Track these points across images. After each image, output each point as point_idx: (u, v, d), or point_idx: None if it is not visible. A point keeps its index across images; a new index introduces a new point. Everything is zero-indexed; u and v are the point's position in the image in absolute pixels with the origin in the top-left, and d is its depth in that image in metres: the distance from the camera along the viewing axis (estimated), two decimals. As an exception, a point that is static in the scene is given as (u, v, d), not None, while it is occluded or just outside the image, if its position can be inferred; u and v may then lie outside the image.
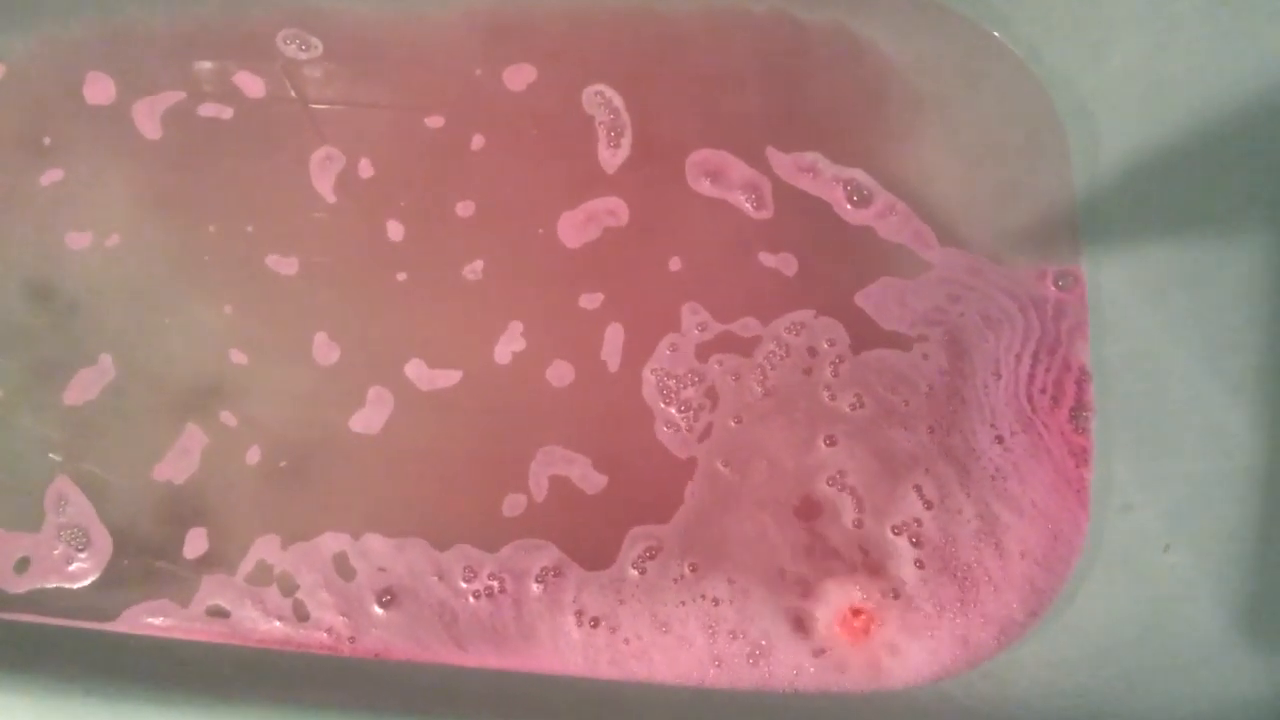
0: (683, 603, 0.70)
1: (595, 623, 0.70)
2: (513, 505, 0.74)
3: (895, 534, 0.71)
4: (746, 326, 0.76)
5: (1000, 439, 0.73)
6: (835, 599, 0.70)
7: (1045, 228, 0.77)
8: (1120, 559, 0.70)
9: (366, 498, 0.73)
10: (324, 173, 0.80)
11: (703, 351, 0.74)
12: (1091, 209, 0.76)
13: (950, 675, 0.68)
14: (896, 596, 0.69)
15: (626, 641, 0.69)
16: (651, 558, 0.71)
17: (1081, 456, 0.74)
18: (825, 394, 0.74)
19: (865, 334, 0.75)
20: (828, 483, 0.72)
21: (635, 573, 0.71)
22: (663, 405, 0.74)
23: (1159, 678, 0.65)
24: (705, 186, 0.79)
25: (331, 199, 0.78)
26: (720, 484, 0.72)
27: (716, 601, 0.70)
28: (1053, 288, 0.76)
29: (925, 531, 0.71)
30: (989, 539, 0.71)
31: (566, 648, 0.71)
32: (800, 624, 0.70)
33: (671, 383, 0.74)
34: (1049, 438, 0.73)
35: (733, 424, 0.74)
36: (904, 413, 0.74)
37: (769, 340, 0.75)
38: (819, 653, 0.69)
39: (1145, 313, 0.72)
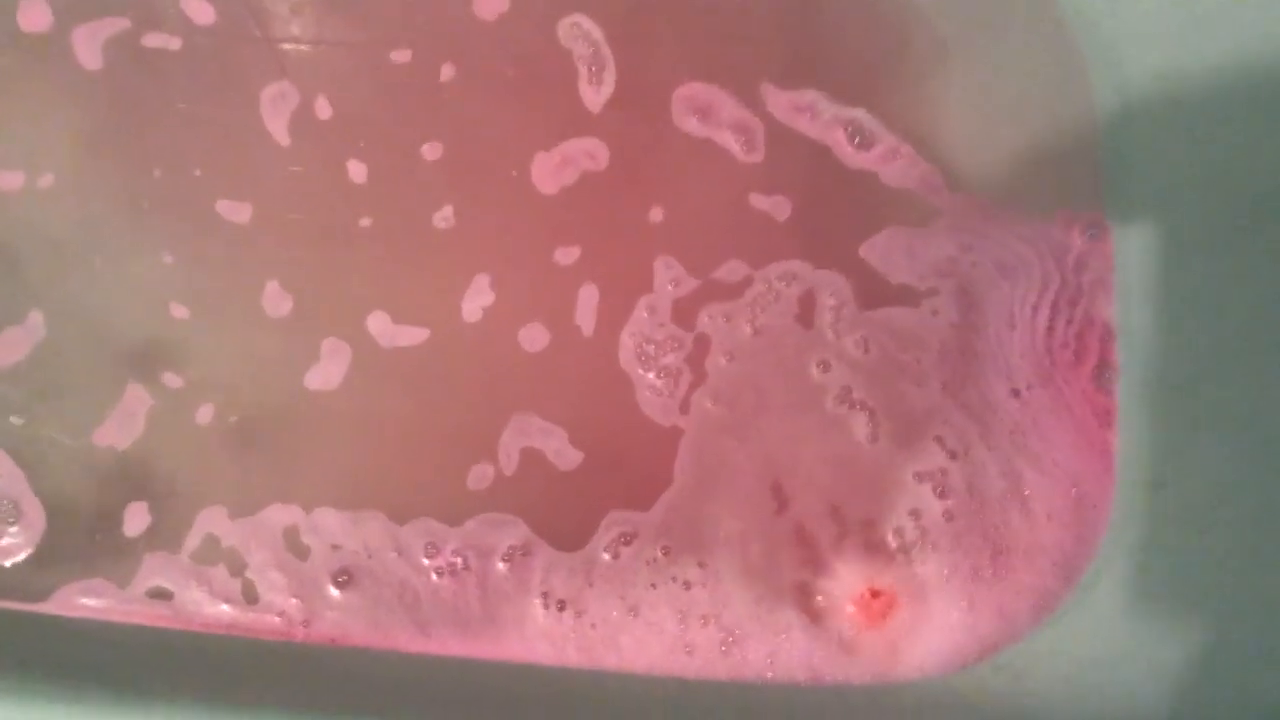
0: (688, 585, 0.67)
1: (562, 606, 0.65)
2: (479, 477, 0.68)
3: (918, 481, 0.67)
4: (733, 270, 0.70)
5: (1017, 393, 0.68)
6: (851, 578, 0.66)
7: (1067, 176, 0.70)
8: (1150, 540, 0.65)
9: (321, 465, 0.67)
10: (277, 111, 0.72)
11: (681, 310, 0.69)
12: (1117, 157, 0.69)
13: (984, 656, 0.66)
14: (920, 561, 0.67)
15: (594, 626, 0.65)
16: (627, 544, 0.66)
17: (1105, 418, 0.68)
18: (830, 334, 0.69)
19: (872, 289, 0.70)
20: (837, 400, 0.68)
21: (608, 556, 0.66)
22: (641, 372, 0.68)
23: (1191, 673, 0.61)
24: (692, 125, 0.71)
25: (285, 141, 0.71)
26: (712, 442, 0.69)
27: (698, 584, 0.67)
28: (1079, 238, 0.70)
29: (951, 482, 0.68)
30: (1015, 498, 0.67)
31: (533, 633, 0.66)
32: (810, 608, 0.66)
33: (650, 348, 0.69)
34: (1070, 395, 0.68)
35: (724, 361, 0.69)
36: (915, 370, 0.68)
37: (759, 283, 0.70)
38: (833, 638, 0.66)
39: (1175, 271, 0.66)
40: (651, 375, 0.68)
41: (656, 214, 0.69)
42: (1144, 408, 0.66)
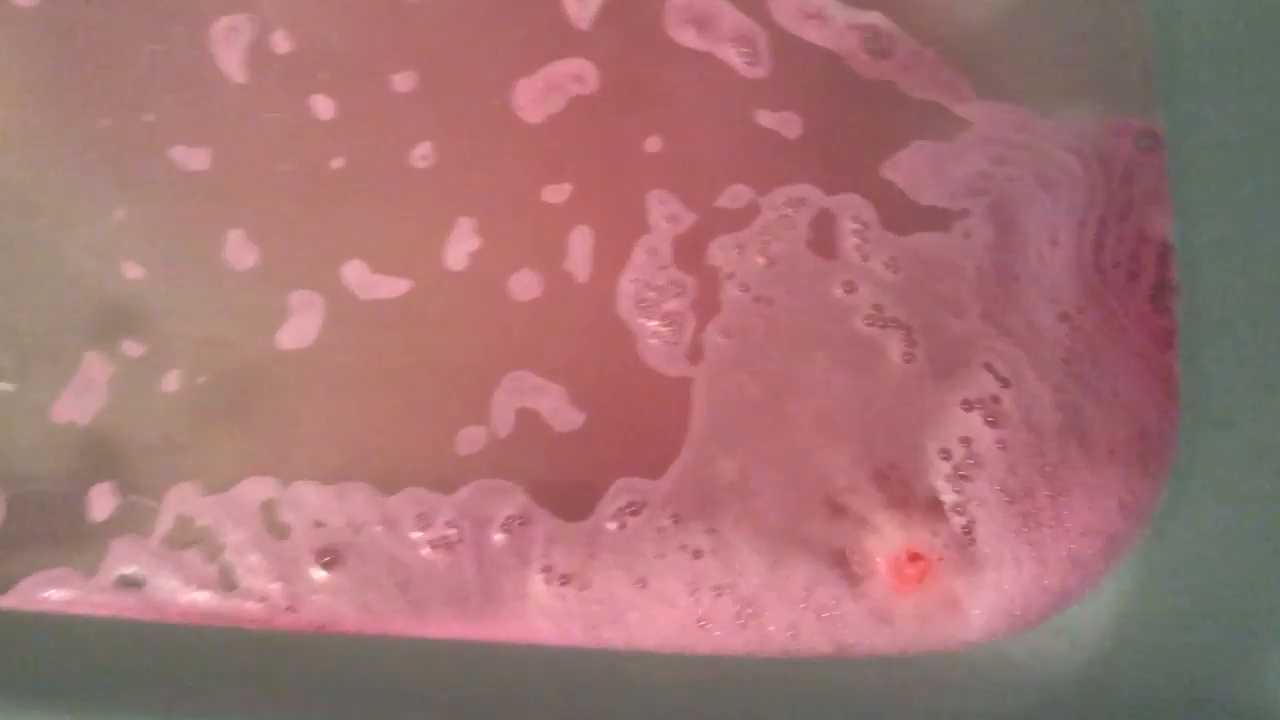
0: (698, 554, 0.60)
1: (565, 580, 0.59)
2: (470, 440, 0.61)
3: (966, 409, 0.59)
4: (737, 197, 0.63)
5: (1066, 316, 0.62)
6: (889, 530, 0.60)
7: (1113, 79, 0.63)
8: (1219, 487, 0.59)
9: (299, 432, 0.61)
10: (231, 46, 0.65)
11: (684, 250, 0.63)
12: (1170, 57, 0.62)
13: (1046, 613, 0.59)
14: (969, 504, 0.60)
15: (600, 603, 0.60)
16: (635, 513, 0.61)
17: (1164, 340, 0.61)
18: (855, 256, 0.63)
19: (897, 212, 0.63)
20: (865, 322, 0.61)
21: (614, 526, 0.60)
22: (643, 320, 0.62)
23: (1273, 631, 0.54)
24: (689, 37, 0.64)
25: (241, 78, 0.64)
26: (726, 387, 0.62)
27: (709, 552, 0.60)
28: (1129, 146, 0.63)
29: (1004, 410, 0.61)
30: (1073, 432, 0.60)
31: (535, 611, 0.59)
32: (843, 570, 0.60)
33: (651, 294, 0.62)
34: (1124, 317, 0.61)
35: (737, 294, 0.62)
36: (953, 300, 0.61)
37: (769, 210, 0.63)
38: (868, 605, 0.59)
39: (1239, 185, 0.61)
40: (655, 323, 0.61)
41: (654, 143, 0.62)
42: (1207, 341, 0.60)
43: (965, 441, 0.60)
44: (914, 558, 0.58)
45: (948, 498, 0.59)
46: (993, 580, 0.58)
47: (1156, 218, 0.61)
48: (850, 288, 0.61)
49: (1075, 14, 0.63)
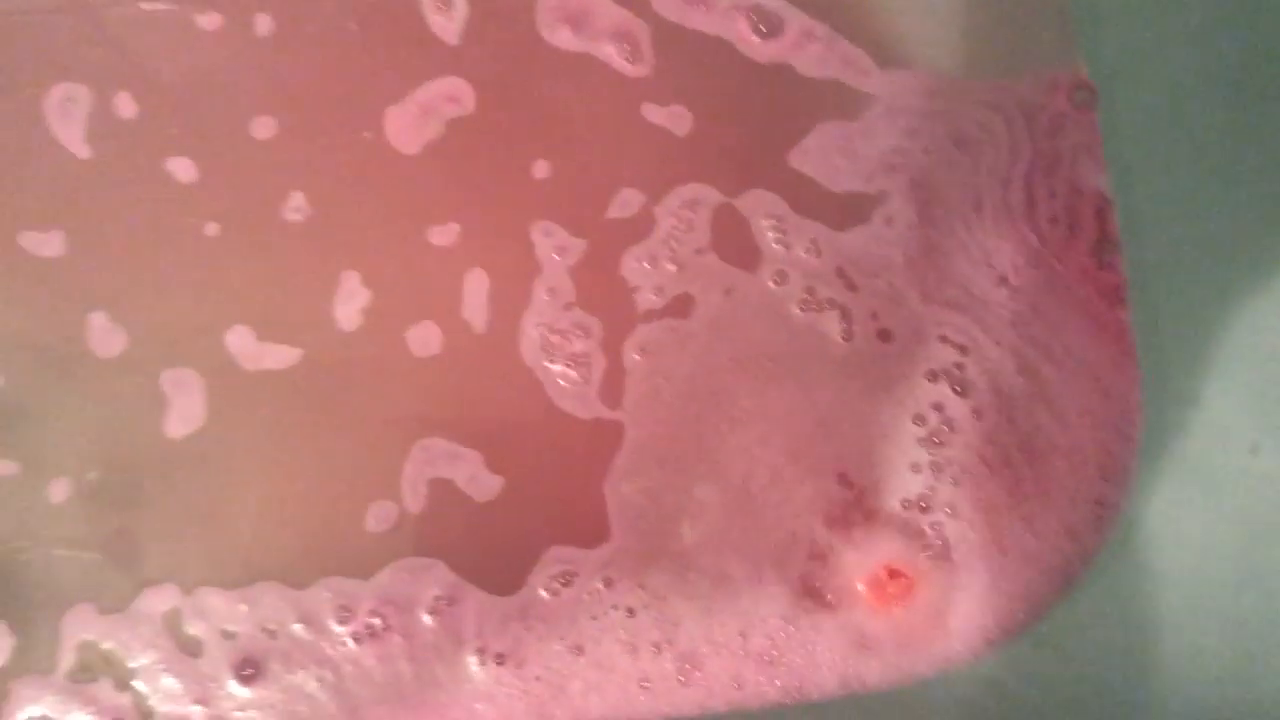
0: (630, 611, 0.54)
1: (501, 659, 0.52)
2: (381, 517, 0.54)
3: (931, 380, 0.54)
4: (627, 203, 0.56)
5: (1004, 279, 0.56)
6: (864, 543, 0.53)
7: (1030, 33, 0.57)
8: (1190, 465, 0.54)
9: (196, 529, 0.53)
10: (67, 119, 0.56)
11: (584, 281, 0.55)
12: (1090, 8, 0.56)
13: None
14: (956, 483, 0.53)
15: (538, 678, 0.53)
16: (567, 584, 0.54)
17: (1113, 295, 0.56)
18: (777, 248, 0.56)
19: (814, 203, 0.56)
20: (800, 307, 0.55)
21: (545, 595, 0.53)
22: (546, 364, 0.55)
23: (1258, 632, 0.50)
24: (565, 38, 0.56)
25: (84, 152, 0.55)
26: (655, 416, 0.55)
27: (640, 608, 0.53)
28: (1059, 100, 0.56)
29: (969, 378, 0.55)
30: (1039, 397, 0.55)
31: (473, 695, 0.53)
32: (815, 594, 0.53)
33: (556, 338, 0.55)
34: (1067, 273, 0.55)
35: (654, 307, 0.56)
36: (888, 292, 0.56)
37: (669, 217, 0.56)
38: (835, 637, 0.53)
39: (1176, 137, 0.55)
40: (563, 368, 0.55)
41: (539, 164, 0.56)
42: (1161, 311, 0.55)
43: (938, 408, 0.55)
44: (894, 574, 0.53)
45: (921, 480, 0.54)
46: (982, 568, 0.54)
47: (1090, 172, 0.55)
48: (781, 279, 0.56)
49: None
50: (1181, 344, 0.54)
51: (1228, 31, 0.54)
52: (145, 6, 0.55)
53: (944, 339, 0.55)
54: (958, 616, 0.52)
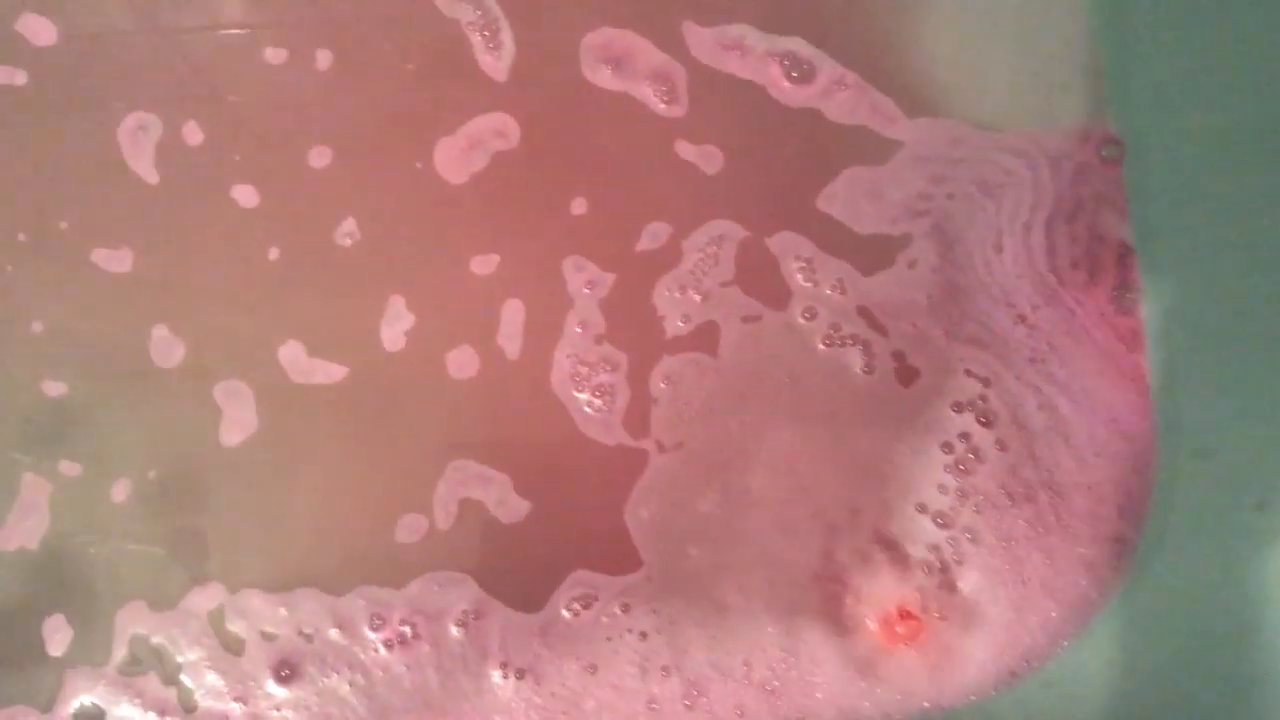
0: (644, 635, 0.54)
1: (521, 674, 0.54)
2: (411, 529, 0.55)
3: (957, 411, 0.54)
4: (656, 235, 0.56)
5: (1023, 318, 0.56)
6: (880, 592, 0.53)
7: (1059, 86, 0.56)
8: (1199, 519, 0.53)
9: (243, 534, 0.55)
10: (138, 146, 0.57)
11: (615, 316, 0.56)
12: (1118, 64, 0.56)
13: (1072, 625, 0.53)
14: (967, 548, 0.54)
15: (554, 694, 0.53)
16: (587, 606, 0.55)
17: (1132, 340, 0.55)
18: (805, 283, 0.57)
19: (840, 245, 0.57)
20: (824, 342, 0.56)
21: (568, 615, 0.55)
22: (575, 393, 0.56)
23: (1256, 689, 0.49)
24: (606, 78, 0.57)
25: (153, 177, 0.57)
26: (681, 452, 0.56)
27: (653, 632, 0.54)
28: (1092, 154, 0.56)
29: (993, 408, 0.55)
30: (1056, 432, 0.55)
31: (494, 707, 0.54)
32: (826, 627, 0.53)
33: (584, 369, 0.56)
34: (1085, 317, 0.55)
35: (681, 336, 0.56)
36: (913, 335, 0.56)
37: (694, 251, 0.57)
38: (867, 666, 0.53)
39: (1199, 195, 0.55)
40: (592, 396, 0.56)
41: (576, 200, 0.57)
42: (1179, 368, 0.55)
43: (965, 437, 0.55)
44: (905, 615, 0.53)
45: (946, 503, 0.54)
46: (1003, 598, 0.54)
47: (1113, 221, 0.56)
48: (811, 314, 0.56)
49: (1008, 26, 0.57)
50: (1196, 398, 0.54)
51: (1254, 95, 0.55)
52: (222, 33, 0.57)
53: (969, 373, 0.55)
54: (973, 648, 0.51)
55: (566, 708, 0.53)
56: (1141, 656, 0.53)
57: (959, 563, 0.52)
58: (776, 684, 0.52)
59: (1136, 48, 0.55)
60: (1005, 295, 0.55)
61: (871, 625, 0.52)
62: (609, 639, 0.53)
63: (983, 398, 0.54)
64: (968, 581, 0.52)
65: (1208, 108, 0.55)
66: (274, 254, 0.56)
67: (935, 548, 0.52)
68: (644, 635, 0.54)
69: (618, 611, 0.54)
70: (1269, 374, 0.53)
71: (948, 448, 0.53)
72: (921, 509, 0.53)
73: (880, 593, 0.52)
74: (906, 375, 0.55)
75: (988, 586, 0.52)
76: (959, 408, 0.54)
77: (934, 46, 0.56)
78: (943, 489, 0.53)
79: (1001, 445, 0.54)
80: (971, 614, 0.52)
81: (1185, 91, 0.55)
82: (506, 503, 0.54)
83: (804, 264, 0.55)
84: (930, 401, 0.54)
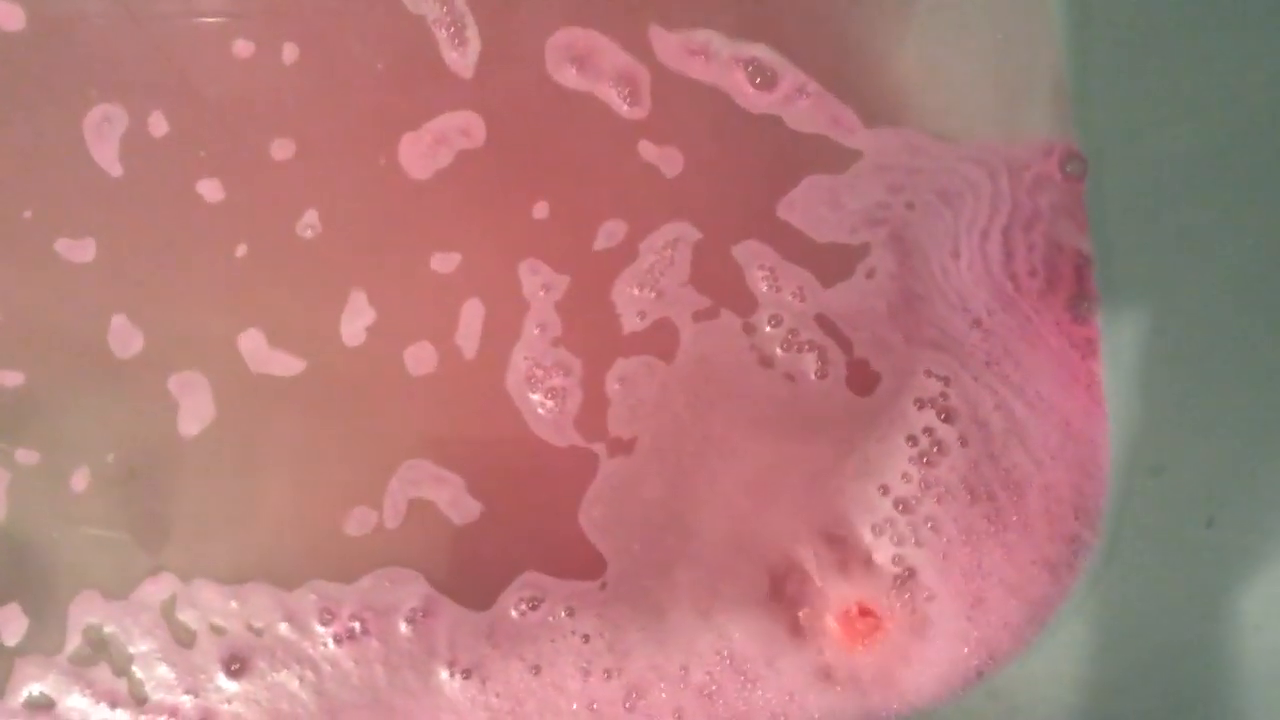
0: (586, 638, 0.54)
1: (468, 674, 0.53)
2: (361, 523, 0.54)
3: (919, 408, 0.54)
4: (612, 234, 0.55)
5: (978, 322, 0.55)
6: (839, 590, 0.53)
7: (1020, 102, 0.56)
8: (1149, 535, 0.52)
9: (197, 524, 0.54)
10: (102, 139, 0.56)
11: (572, 319, 0.55)
12: (1082, 81, 0.55)
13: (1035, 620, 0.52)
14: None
15: (498, 695, 0.52)
16: (534, 608, 0.54)
17: (1086, 348, 0.55)
18: (769, 291, 0.56)
19: (799, 253, 0.56)
20: (782, 347, 0.55)
21: (515, 615, 0.54)
22: (530, 395, 0.55)
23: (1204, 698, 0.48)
24: (570, 77, 0.56)
25: (116, 171, 0.55)
26: (636, 456, 0.55)
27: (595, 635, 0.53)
28: (1054, 167, 0.56)
29: (953, 405, 0.54)
30: (1013, 433, 0.54)
31: (441, 706, 0.53)
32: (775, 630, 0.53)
33: (540, 372, 0.55)
34: (1040, 322, 0.55)
35: (637, 335, 0.55)
36: (873, 341, 0.55)
37: (650, 254, 0.56)
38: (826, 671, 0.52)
39: (1159, 215, 0.53)
40: (547, 399, 0.55)
41: (538, 204, 0.56)
42: (1133, 384, 0.54)
43: (928, 432, 0.54)
44: (865, 612, 0.53)
45: (908, 492, 0.54)
46: (963, 591, 0.53)
47: (1069, 230, 0.55)
48: (776, 321, 0.55)
49: (971, 40, 0.56)
50: (1150, 415, 0.53)
51: (1216, 116, 0.53)
52: (196, 21, 0.56)
53: (929, 373, 0.55)
54: (931, 646, 0.50)
55: (510, 707, 0.52)
56: (1090, 671, 0.52)
57: (919, 553, 0.52)
58: (714, 689, 0.51)
59: (1102, 65, 0.54)
60: (962, 300, 0.55)
61: (831, 623, 0.51)
62: (553, 640, 0.53)
63: (944, 395, 0.54)
64: (927, 575, 0.51)
65: (1171, 126, 0.54)
66: (238, 248, 0.55)
67: (897, 540, 0.52)
68: (586, 638, 0.53)
69: (563, 615, 0.53)
70: (1221, 393, 0.53)
71: (911, 441, 0.53)
72: (884, 492, 0.53)
73: (839, 590, 0.52)
74: (868, 379, 0.54)
75: (947, 579, 0.52)
76: (920, 404, 0.53)
77: (900, 58, 0.55)
78: (906, 478, 0.53)
79: (963, 441, 0.53)
80: (929, 609, 0.51)
81: (1149, 110, 0.54)
82: (459, 503, 0.53)
83: (764, 271, 0.54)
84: (892, 401, 0.54)
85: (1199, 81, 0.53)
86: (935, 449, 0.53)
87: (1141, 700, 0.52)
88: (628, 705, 0.52)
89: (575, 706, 0.52)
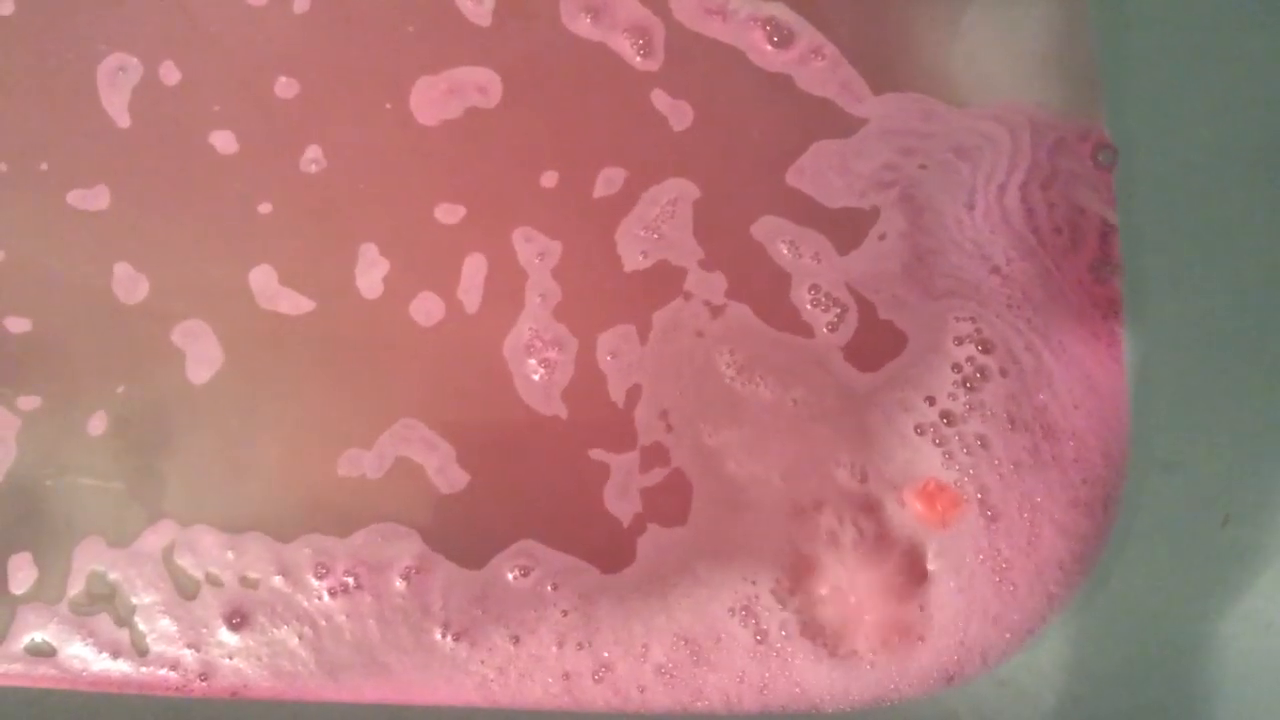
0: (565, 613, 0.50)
1: (459, 636, 0.49)
2: (352, 464, 0.51)
3: (957, 344, 0.49)
4: (610, 181, 0.51)
5: (997, 269, 0.50)
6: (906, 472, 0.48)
7: (1050, 88, 0.50)
8: (1163, 530, 0.48)
9: (198, 474, 0.51)
10: (115, 88, 0.52)
11: (574, 290, 0.51)
12: (1116, 69, 0.50)
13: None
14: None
15: (483, 661, 0.49)
16: (525, 574, 0.50)
17: (1108, 307, 0.50)
18: (792, 258, 0.52)
19: (812, 220, 0.51)
20: (809, 300, 0.51)
21: (511, 577, 0.50)
22: (530, 360, 0.51)
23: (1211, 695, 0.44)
24: (584, 26, 0.52)
25: (124, 122, 0.52)
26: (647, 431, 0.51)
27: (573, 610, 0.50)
28: (1088, 158, 0.51)
29: (988, 338, 0.49)
30: (1042, 378, 0.49)
31: (432, 665, 0.49)
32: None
33: (538, 344, 0.51)
34: (1061, 276, 0.49)
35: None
36: (891, 301, 0.51)
37: (648, 203, 0.51)
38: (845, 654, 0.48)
39: (1186, 206, 0.49)
40: (543, 368, 0.51)
41: (549, 178, 0.52)
42: (1152, 372, 0.50)
43: (970, 360, 0.50)
44: (942, 488, 0.48)
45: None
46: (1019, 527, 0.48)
47: (1088, 197, 0.51)
48: (779, 281, 0.51)
49: (1000, 12, 0.51)
50: (1170, 410, 0.50)
51: (1248, 112, 0.50)
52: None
53: (956, 318, 0.50)
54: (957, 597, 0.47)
55: (494, 674, 0.49)
56: (1095, 662, 0.49)
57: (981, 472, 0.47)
58: (671, 668, 0.49)
59: (1136, 55, 0.51)
60: (978, 248, 0.50)
61: (912, 502, 0.48)
62: (535, 610, 0.49)
63: (977, 330, 0.49)
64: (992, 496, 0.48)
65: (1203, 122, 0.50)
66: (247, 190, 0.52)
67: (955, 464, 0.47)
68: (565, 612, 0.50)
69: (548, 589, 0.49)
70: (1241, 392, 0.49)
71: (956, 368, 0.49)
72: (930, 402, 0.49)
73: (906, 472, 0.48)
74: (896, 340, 0.50)
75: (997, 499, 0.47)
76: (959, 340, 0.49)
77: (924, 25, 0.51)
78: (953, 397, 0.49)
79: (1004, 371, 0.49)
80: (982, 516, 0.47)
81: (1183, 104, 0.51)
82: (446, 471, 0.50)
83: (780, 235, 0.51)
84: (930, 349, 0.50)
85: (1233, 78, 0.50)
86: (979, 374, 0.49)
87: (1147, 694, 0.49)
88: (597, 677, 0.49)
89: (552, 675, 0.49)
